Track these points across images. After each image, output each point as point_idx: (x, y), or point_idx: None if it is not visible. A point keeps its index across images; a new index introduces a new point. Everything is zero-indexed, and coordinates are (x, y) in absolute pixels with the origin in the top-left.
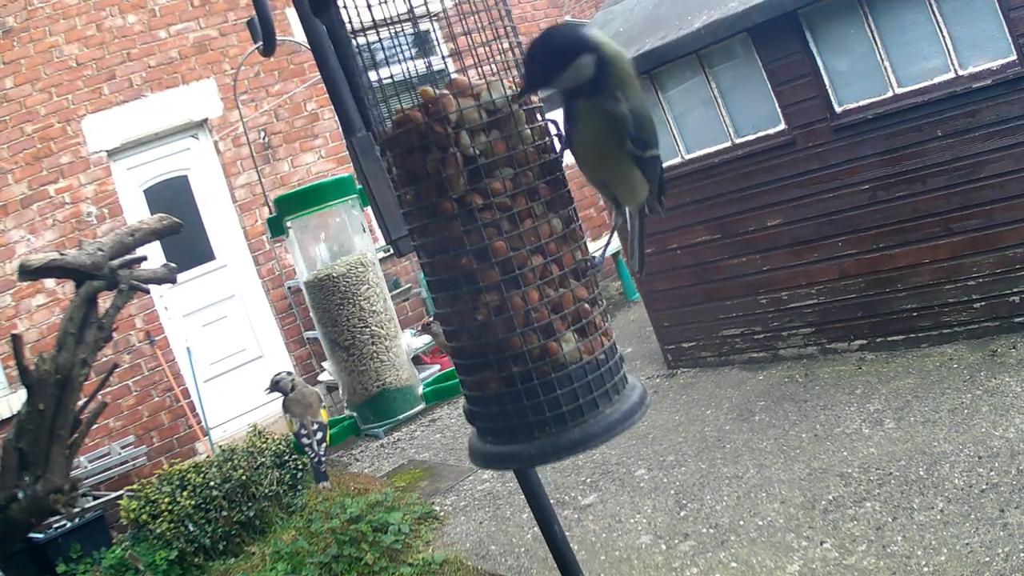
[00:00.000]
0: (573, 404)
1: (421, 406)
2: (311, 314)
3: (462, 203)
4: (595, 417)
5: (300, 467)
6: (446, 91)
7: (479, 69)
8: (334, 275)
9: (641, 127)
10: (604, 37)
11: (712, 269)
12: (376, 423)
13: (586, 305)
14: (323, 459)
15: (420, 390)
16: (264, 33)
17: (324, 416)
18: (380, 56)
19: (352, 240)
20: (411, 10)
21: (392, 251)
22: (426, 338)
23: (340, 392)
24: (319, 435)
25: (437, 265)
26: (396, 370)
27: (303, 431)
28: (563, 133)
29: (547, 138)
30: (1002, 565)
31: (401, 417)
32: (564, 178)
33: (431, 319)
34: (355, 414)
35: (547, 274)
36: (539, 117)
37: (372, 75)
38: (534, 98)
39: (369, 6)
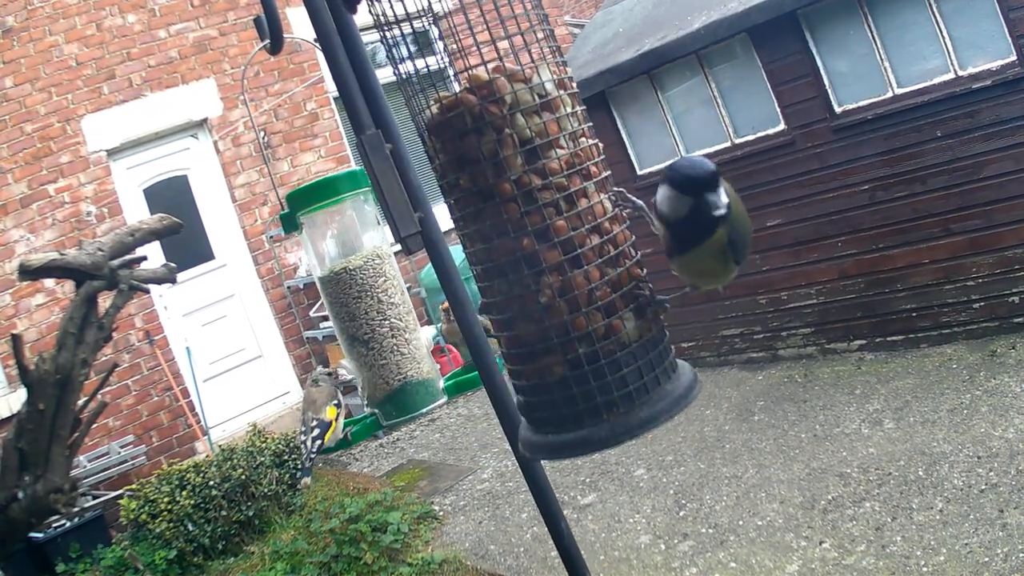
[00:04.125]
0: (639, 382)
1: (444, 399)
2: (327, 310)
3: (520, 184)
4: (659, 394)
5: (299, 467)
6: (497, 74)
7: (518, 57)
8: (350, 268)
9: (740, 250)
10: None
11: None
12: (399, 418)
13: (639, 284)
14: (312, 455)
15: (441, 383)
16: (271, 32)
17: (330, 414)
18: (416, 48)
19: (366, 233)
20: None
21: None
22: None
23: (359, 390)
24: (315, 432)
25: (495, 249)
26: (417, 363)
27: (302, 427)
28: (637, 201)
29: (589, 123)
30: (1001, 565)
31: (423, 411)
32: (605, 161)
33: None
34: (377, 411)
35: (604, 253)
36: (581, 102)
37: (408, 65)
38: (574, 83)
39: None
